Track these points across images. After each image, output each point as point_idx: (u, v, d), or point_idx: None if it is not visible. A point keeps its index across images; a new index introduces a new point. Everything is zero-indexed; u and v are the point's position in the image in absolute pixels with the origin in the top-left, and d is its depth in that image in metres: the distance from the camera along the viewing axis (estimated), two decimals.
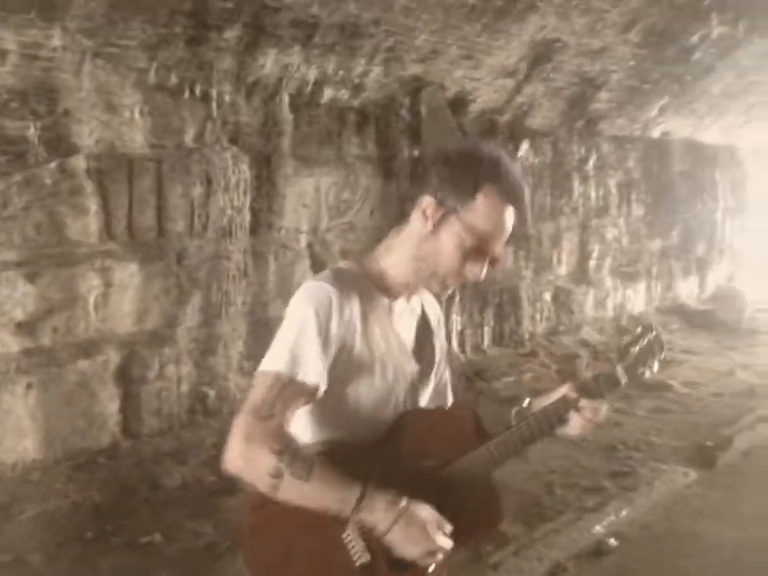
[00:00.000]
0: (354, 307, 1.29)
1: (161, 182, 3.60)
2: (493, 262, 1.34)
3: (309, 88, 4.18)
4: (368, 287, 1.34)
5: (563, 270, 6.71)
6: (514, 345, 6.12)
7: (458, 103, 5.08)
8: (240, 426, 1.20)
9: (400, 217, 1.39)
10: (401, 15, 4.15)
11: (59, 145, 3.25)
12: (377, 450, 1.33)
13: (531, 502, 3.47)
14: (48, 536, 2.97)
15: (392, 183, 4.81)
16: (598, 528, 3.25)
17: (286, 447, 1.19)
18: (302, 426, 1.32)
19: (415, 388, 1.41)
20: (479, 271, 1.34)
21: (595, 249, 7.01)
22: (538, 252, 6.35)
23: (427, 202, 1.32)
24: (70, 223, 3.32)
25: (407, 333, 1.41)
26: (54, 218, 3.26)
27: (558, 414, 1.34)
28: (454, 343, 5.41)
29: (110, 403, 3.54)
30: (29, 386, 3.26)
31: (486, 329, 5.85)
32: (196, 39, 3.52)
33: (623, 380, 1.35)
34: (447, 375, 1.56)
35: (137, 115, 3.50)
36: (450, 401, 1.56)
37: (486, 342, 5.86)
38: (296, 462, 1.18)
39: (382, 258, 1.39)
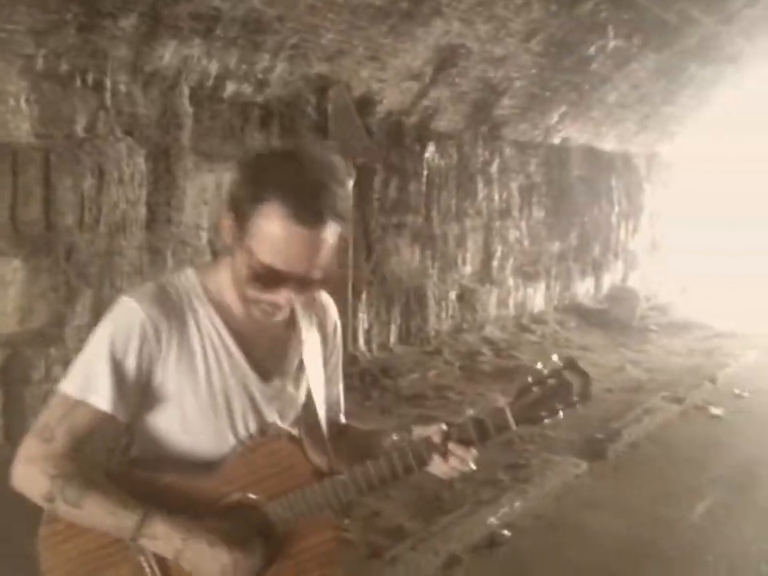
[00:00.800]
0: (166, 329, 1.19)
1: (48, 173, 3.43)
2: (308, 286, 1.18)
3: (210, 81, 4.09)
4: (195, 301, 1.24)
5: (468, 269, 6.87)
6: (420, 342, 6.22)
7: (365, 103, 5.11)
8: (23, 446, 1.19)
9: None
10: (306, 13, 4.14)
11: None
12: (201, 482, 1.24)
13: (431, 497, 3.53)
14: None
15: None
16: (492, 519, 3.34)
17: (60, 472, 1.15)
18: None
19: (258, 408, 1.28)
20: (283, 300, 1.18)
21: (498, 249, 7.21)
22: (443, 252, 6.47)
23: (224, 216, 1.18)
24: None
25: (253, 348, 1.28)
26: None
27: (417, 457, 1.24)
28: (361, 341, 5.44)
29: None
30: None
31: (393, 326, 5.91)
32: (88, 26, 3.38)
33: (513, 425, 1.22)
34: (338, 386, 1.48)
35: (23, 103, 3.32)
36: (340, 413, 1.50)
37: (393, 339, 5.92)
38: (68, 488, 1.15)
39: (219, 269, 1.28)
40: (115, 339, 1.18)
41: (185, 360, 1.22)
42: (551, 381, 1.23)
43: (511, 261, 7.45)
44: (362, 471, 1.24)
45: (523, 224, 7.60)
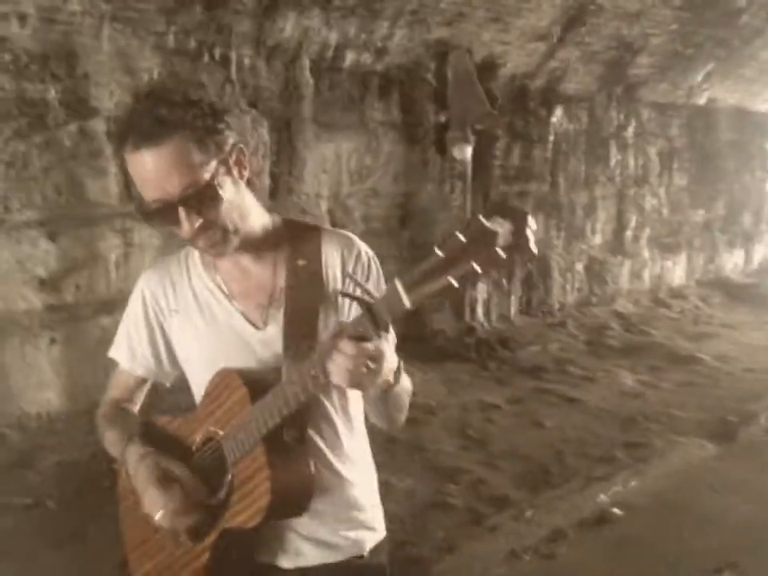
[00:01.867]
0: (163, 294, 1.33)
1: None
2: (200, 206, 1.15)
3: (330, 52, 4.16)
4: (190, 265, 1.33)
5: (598, 239, 6.58)
6: (542, 315, 6.06)
7: (487, 67, 4.99)
8: None
9: None
10: None
11: (79, 107, 3.33)
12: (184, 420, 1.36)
13: (539, 470, 3.47)
14: (66, 483, 3.12)
15: (416, 149, 4.78)
16: (603, 497, 3.23)
17: (102, 413, 1.40)
18: None
19: (257, 356, 1.27)
20: (187, 228, 1.16)
21: (632, 219, 6.84)
22: (570, 221, 6.23)
23: None
24: (90, 184, 3.41)
25: (244, 299, 1.30)
26: (73, 180, 3.35)
27: (320, 363, 1.09)
28: (479, 312, 5.39)
29: None
30: (52, 341, 3.41)
31: (513, 298, 5.80)
32: (214, 3, 3.55)
33: (406, 301, 0.97)
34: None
35: (156, 77, 3.55)
36: None
37: (513, 310, 5.82)
38: (102, 424, 1.39)
39: None
40: (128, 311, 1.39)
41: (185, 314, 1.33)
42: (458, 235, 0.91)
43: (647, 231, 7.04)
44: (278, 390, 1.17)
45: (662, 191, 7.14)
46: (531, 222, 0.93)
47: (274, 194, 4.10)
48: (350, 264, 1.31)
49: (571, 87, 5.80)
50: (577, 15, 5.06)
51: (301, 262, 1.30)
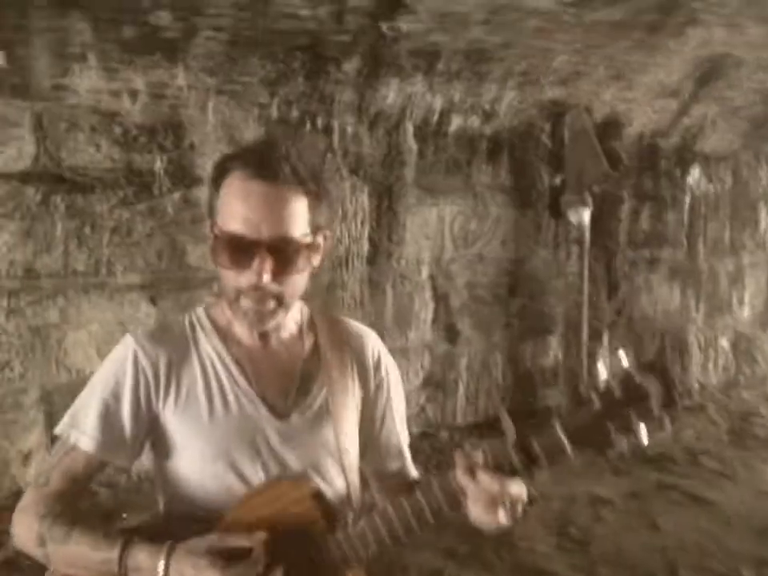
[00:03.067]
0: (164, 363, 1.14)
1: None
2: (282, 262, 1.06)
3: (434, 117, 4.09)
4: (200, 335, 1.19)
5: (745, 312, 5.89)
6: (678, 396, 5.44)
7: (609, 126, 4.69)
8: (22, 499, 1.16)
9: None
10: (534, 37, 3.93)
11: (183, 176, 3.48)
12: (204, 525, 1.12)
13: None
14: None
15: (527, 212, 4.55)
16: None
17: (49, 511, 1.11)
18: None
19: (273, 448, 1.15)
20: (255, 277, 1.07)
21: None
22: (712, 291, 5.64)
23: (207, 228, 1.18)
24: (190, 250, 3.52)
25: (266, 382, 1.18)
26: (174, 245, 3.48)
27: (445, 490, 1.00)
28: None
29: None
30: None
31: None
32: (315, 73, 3.61)
33: (567, 447, 0.94)
34: (397, 432, 1.29)
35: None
36: (407, 465, 1.30)
37: None
38: (55, 526, 1.09)
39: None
40: (108, 378, 1.16)
41: (186, 398, 1.15)
42: (617, 391, 0.95)
43: None
44: (381, 515, 1.05)
45: None
46: (677, 382, 0.97)
47: (373, 259, 4.03)
48: (371, 362, 1.26)
49: (709, 145, 5.32)
50: (712, 69, 4.65)
51: (330, 352, 1.21)
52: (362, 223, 3.96)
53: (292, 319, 1.22)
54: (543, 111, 4.42)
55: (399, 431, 1.32)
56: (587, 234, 4.55)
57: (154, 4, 2.99)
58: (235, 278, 1.10)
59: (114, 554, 1.07)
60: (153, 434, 1.18)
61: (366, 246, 4.00)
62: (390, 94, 3.86)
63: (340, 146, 3.87)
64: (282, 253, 1.07)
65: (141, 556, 1.06)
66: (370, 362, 1.27)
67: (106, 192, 3.28)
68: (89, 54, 3.11)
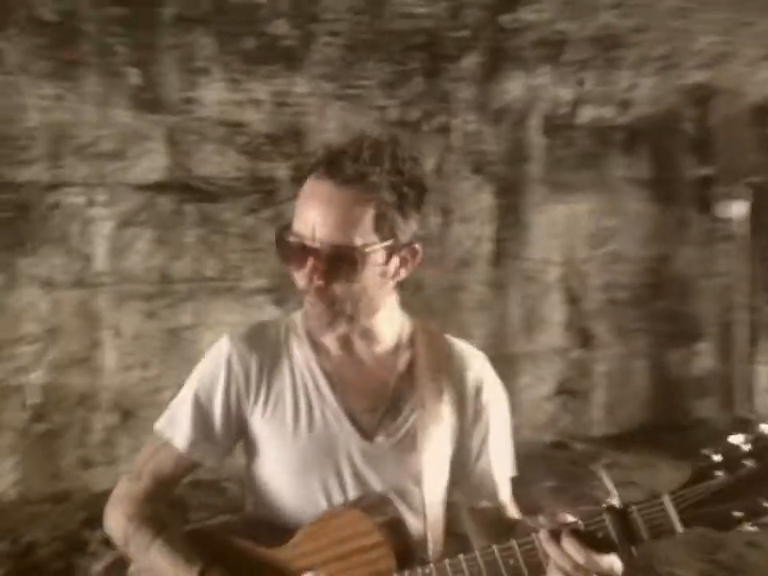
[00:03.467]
0: (256, 368, 1.11)
1: None
2: (332, 264, 1.01)
3: (563, 109, 3.88)
4: (294, 343, 1.14)
5: None
6: None
7: (764, 112, 4.22)
8: (116, 487, 1.17)
9: None
10: (672, 17, 3.62)
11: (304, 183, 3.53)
12: (273, 551, 1.07)
13: None
14: None
15: (671, 207, 4.19)
16: None
17: (138, 512, 1.11)
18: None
19: (356, 469, 1.09)
20: (305, 280, 1.04)
21: None
22: None
23: None
24: None
25: (356, 398, 1.11)
26: None
27: (526, 555, 0.89)
28: (756, 401, 4.44)
29: None
30: None
31: None
32: (433, 72, 3.54)
33: (678, 525, 0.82)
34: (492, 466, 1.17)
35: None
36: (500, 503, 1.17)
37: None
38: (141, 530, 1.09)
39: None
40: (203, 377, 1.15)
41: (274, 405, 1.12)
42: (749, 461, 0.80)
43: None
44: (452, 565, 0.95)
45: None
46: None
47: (497, 260, 3.88)
48: (470, 388, 1.15)
49: None
50: None
51: (427, 373, 1.13)
52: (485, 223, 3.83)
53: (388, 332, 1.14)
54: (686, 97, 4.06)
55: (496, 468, 1.18)
56: (743, 229, 4.13)
57: (271, 13, 3.07)
58: (296, 278, 1.08)
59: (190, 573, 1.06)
60: (243, 436, 1.16)
61: (489, 247, 3.86)
62: (514, 87, 3.71)
63: (460, 144, 3.77)
64: (337, 260, 1.02)
65: None
66: (470, 388, 1.16)
67: (232, 200, 3.41)
68: (213, 67, 3.24)
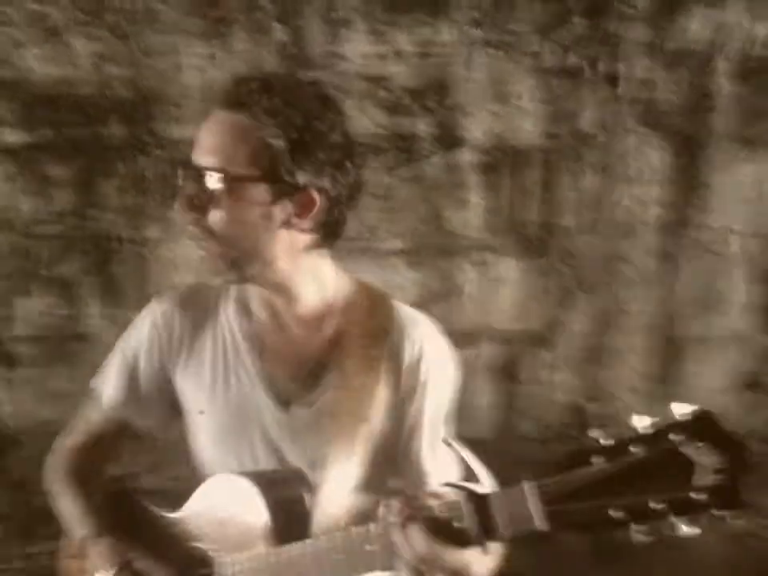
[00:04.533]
0: (179, 328, 1.10)
1: (548, 172, 3.35)
2: (204, 186, 0.99)
3: (757, 50, 3.25)
4: (221, 302, 1.13)
5: None
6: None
7: None
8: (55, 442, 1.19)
9: None
10: None
11: (445, 139, 3.34)
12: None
13: None
14: None
15: None
16: None
17: (60, 465, 1.13)
18: None
19: (271, 441, 1.04)
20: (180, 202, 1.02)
21: None
22: None
23: None
24: (451, 216, 3.38)
25: (275, 364, 1.06)
26: (435, 211, 3.38)
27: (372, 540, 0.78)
28: None
29: (480, 397, 3.51)
30: None
31: None
32: (596, 11, 3.14)
33: (539, 521, 0.67)
34: (421, 445, 1.07)
35: (528, 103, 3.32)
36: (420, 473, 1.05)
37: None
38: (57, 481, 1.11)
39: None
40: (131, 336, 1.15)
41: (194, 368, 1.08)
42: (638, 448, 0.64)
43: None
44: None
45: None
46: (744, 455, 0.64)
47: (666, 227, 3.41)
48: (407, 360, 1.07)
49: None
50: None
51: (357, 341, 1.07)
52: (654, 184, 3.37)
53: (309, 292, 1.08)
54: None
55: (426, 455, 1.08)
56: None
57: None
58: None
59: (78, 531, 1.08)
60: (171, 396, 1.13)
61: (657, 211, 3.39)
62: (694, 25, 3.17)
63: (625, 93, 3.33)
64: (207, 185, 0.99)
65: (96, 549, 1.04)
66: (408, 361, 1.08)
67: (370, 158, 3.31)
68: (355, 17, 3.14)
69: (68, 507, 1.12)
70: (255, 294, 1.09)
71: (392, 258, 3.42)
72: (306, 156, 0.98)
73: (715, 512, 0.61)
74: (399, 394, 1.08)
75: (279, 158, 0.97)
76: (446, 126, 3.34)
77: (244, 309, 1.11)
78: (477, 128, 3.35)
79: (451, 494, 0.78)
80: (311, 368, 1.07)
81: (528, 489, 0.70)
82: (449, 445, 0.95)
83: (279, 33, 3.17)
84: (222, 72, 3.25)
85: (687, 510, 0.61)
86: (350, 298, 1.11)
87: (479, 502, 0.74)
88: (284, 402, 1.05)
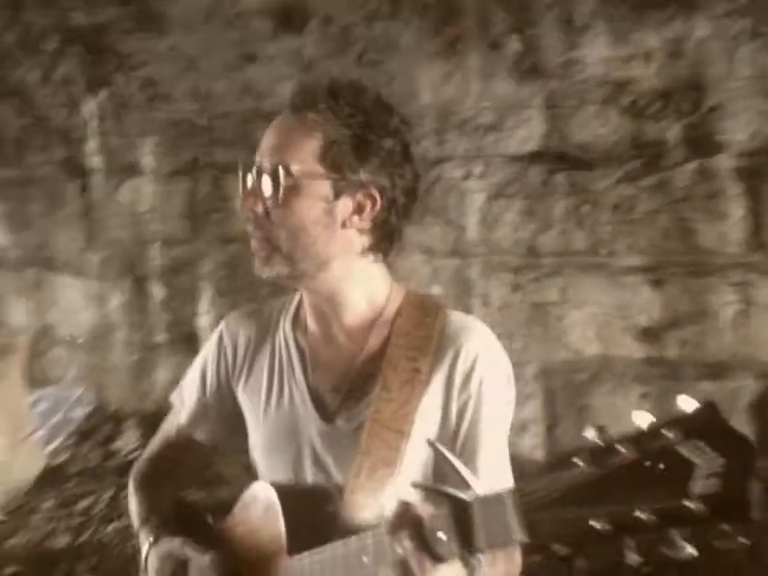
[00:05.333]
0: (244, 344, 1.13)
1: None
2: (269, 183, 1.00)
3: None
4: (282, 318, 1.13)
5: None
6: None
7: None
8: None
9: None
10: None
11: (700, 144, 2.98)
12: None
13: None
14: None
15: None
16: None
17: (136, 471, 1.20)
18: None
19: (316, 453, 1.02)
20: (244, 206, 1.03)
21: None
22: None
23: None
24: (703, 229, 3.01)
25: (323, 377, 1.05)
26: (683, 224, 3.03)
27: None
28: None
29: None
30: (643, 396, 3.18)
31: None
32: None
33: (516, 531, 0.60)
34: (475, 464, 0.96)
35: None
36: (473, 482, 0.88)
37: None
38: (132, 485, 1.17)
39: None
40: (204, 352, 1.21)
41: (253, 382, 1.11)
42: (628, 450, 0.55)
43: None
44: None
45: None
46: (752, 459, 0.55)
47: None
48: (459, 373, 1.01)
49: None
50: None
51: (406, 352, 1.02)
52: None
53: (361, 301, 1.06)
54: None
55: (482, 473, 0.95)
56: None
57: None
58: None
59: (139, 524, 1.13)
60: (234, 410, 1.17)
61: None
62: None
63: None
64: (273, 182, 0.99)
65: (154, 550, 1.08)
66: (457, 373, 1.02)
67: (608, 167, 3.09)
68: (596, 21, 2.96)
69: (134, 507, 1.18)
70: (308, 306, 1.10)
71: (629, 276, 3.14)
72: (368, 154, 1.00)
73: (716, 525, 0.48)
74: (449, 410, 1.02)
75: (343, 154, 0.99)
76: (701, 130, 2.98)
77: (298, 321, 1.13)
78: (739, 130, 2.94)
79: (444, 503, 0.71)
80: (355, 380, 1.05)
81: (506, 496, 0.63)
82: (432, 446, 0.86)
83: (513, 45, 3.11)
84: (457, 90, 3.29)
85: (681, 521, 0.50)
86: (401, 308, 1.08)
87: (461, 510, 0.67)
88: (329, 414, 1.04)
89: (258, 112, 3.72)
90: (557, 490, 0.60)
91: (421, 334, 1.04)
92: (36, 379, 4.00)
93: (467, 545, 0.68)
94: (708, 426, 0.55)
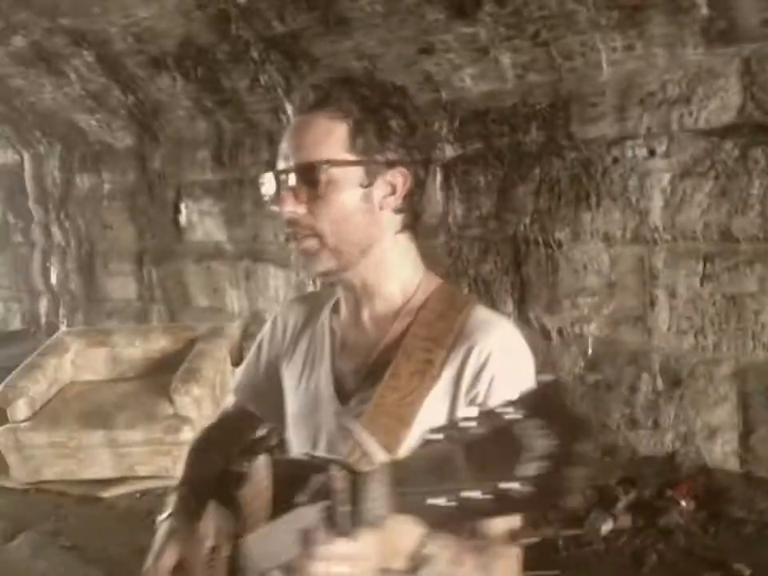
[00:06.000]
0: (293, 326, 1.18)
1: None
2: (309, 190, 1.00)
3: None
4: (325, 303, 1.17)
5: None
6: None
7: None
8: None
9: None
10: None
11: None
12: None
13: None
14: None
15: None
16: None
17: (195, 439, 1.28)
18: None
19: (330, 432, 1.05)
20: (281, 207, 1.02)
21: None
22: None
23: None
24: None
25: (347, 359, 1.07)
26: None
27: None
28: None
29: None
30: None
31: None
32: None
33: (378, 509, 0.63)
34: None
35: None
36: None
37: None
38: (189, 450, 1.24)
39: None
40: (262, 333, 1.26)
41: (294, 362, 1.16)
42: (477, 425, 0.56)
43: None
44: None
45: None
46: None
47: None
48: (471, 368, 0.98)
49: None
50: None
51: (422, 343, 1.01)
52: None
53: (399, 292, 1.07)
54: None
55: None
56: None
57: None
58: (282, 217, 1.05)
59: (174, 494, 1.15)
60: (280, 387, 1.19)
61: None
62: None
63: None
64: (309, 179, 0.99)
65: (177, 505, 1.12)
66: (468, 369, 0.98)
67: None
68: None
69: (181, 473, 1.22)
70: (343, 292, 1.12)
71: None
72: (389, 132, 1.01)
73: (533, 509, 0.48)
74: (456, 405, 0.99)
75: (368, 138, 1.00)
76: None
77: (336, 307, 1.15)
78: None
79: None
80: (373, 366, 1.05)
81: (382, 471, 0.65)
82: (343, 425, 0.87)
83: (704, 8, 2.80)
84: (639, 63, 3.05)
85: (506, 505, 0.49)
86: (428, 299, 1.07)
87: (353, 484, 0.68)
88: (346, 396, 1.06)
89: (438, 103, 3.77)
90: (404, 467, 0.61)
91: (441, 327, 1.03)
92: (242, 360, 4.44)
93: (356, 520, 0.68)
94: (545, 405, 0.51)
